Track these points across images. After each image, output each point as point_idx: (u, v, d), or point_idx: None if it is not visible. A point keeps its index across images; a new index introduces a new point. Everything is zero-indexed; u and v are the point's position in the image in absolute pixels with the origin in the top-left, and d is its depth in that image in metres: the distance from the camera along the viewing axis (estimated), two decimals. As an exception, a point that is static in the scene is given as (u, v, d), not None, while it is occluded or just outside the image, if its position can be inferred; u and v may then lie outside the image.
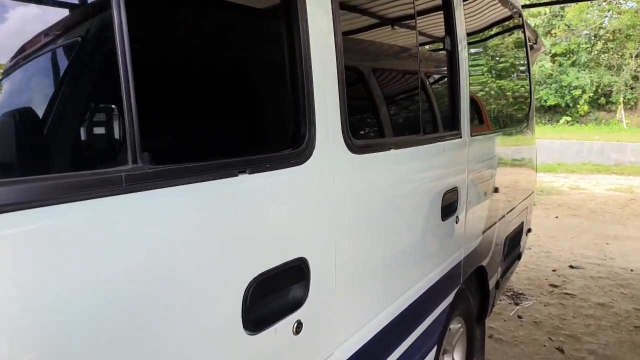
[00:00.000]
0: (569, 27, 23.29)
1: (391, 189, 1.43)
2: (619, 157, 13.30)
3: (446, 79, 2.00)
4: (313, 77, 1.05)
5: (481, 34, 2.52)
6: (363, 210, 1.28)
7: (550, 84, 22.83)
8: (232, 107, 0.96)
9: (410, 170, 1.54)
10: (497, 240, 2.61)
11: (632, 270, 5.06)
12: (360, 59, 1.50)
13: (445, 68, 1.98)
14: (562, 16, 23.60)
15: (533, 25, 23.89)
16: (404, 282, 1.54)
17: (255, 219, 0.92)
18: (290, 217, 1.01)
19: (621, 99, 21.86)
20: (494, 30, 2.70)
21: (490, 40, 2.69)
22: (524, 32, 3.33)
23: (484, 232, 2.36)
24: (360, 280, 1.30)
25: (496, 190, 2.46)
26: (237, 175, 0.85)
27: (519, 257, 3.35)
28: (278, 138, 1.06)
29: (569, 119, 22.40)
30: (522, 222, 3.30)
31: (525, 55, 3.38)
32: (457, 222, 1.93)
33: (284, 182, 0.99)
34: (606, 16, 22.95)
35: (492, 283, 2.61)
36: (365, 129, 1.53)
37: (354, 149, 1.19)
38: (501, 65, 2.96)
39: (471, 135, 2.05)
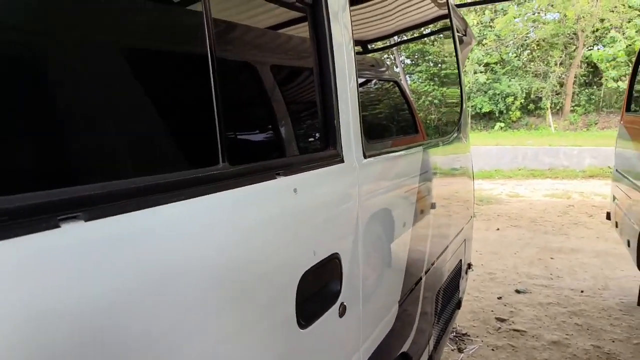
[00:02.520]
0: (498, 37, 24.09)
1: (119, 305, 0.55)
2: (552, 161, 13.40)
3: (301, 57, 1.15)
4: None
5: (386, 7, 1.73)
6: None
7: (485, 92, 23.43)
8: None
9: (185, 250, 0.66)
10: (423, 303, 1.81)
11: (582, 292, 4.54)
12: None
13: (296, 34, 1.13)
14: (491, 27, 24.41)
15: (465, 35, 24.52)
16: None
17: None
18: None
19: (549, 105, 22.76)
20: (406, 7, 1.93)
21: (400, 20, 1.92)
22: (450, 19, 2.61)
23: (401, 302, 1.54)
24: None
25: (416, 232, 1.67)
26: None
27: (458, 305, 2.60)
28: None
29: (502, 124, 23.06)
30: (460, 260, 2.55)
31: (453, 49, 2.67)
32: (342, 315, 1.08)
33: None
34: (532, 26, 23.97)
35: (421, 365, 1.80)
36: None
37: None
38: (418, 59, 2.21)
39: (365, 157, 1.23)
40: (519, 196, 9.89)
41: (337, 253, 1.06)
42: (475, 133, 22.56)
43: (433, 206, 1.91)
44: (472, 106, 23.45)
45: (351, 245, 1.13)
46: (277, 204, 0.87)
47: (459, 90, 2.61)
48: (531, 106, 23.57)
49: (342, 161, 1.11)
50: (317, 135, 1.10)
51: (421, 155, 1.73)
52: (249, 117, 0.94)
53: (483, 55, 23.88)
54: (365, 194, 1.21)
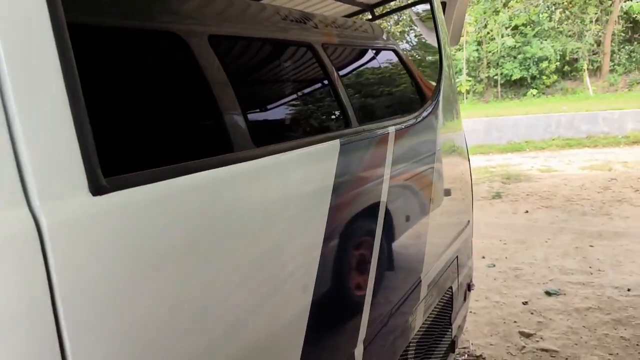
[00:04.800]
0: (525, -4, 22.33)
1: None
2: (590, 128, 12.15)
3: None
4: None
5: None
6: None
7: (515, 57, 21.85)
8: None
9: None
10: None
11: (629, 290, 3.73)
12: None
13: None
14: (516, -14, 22.63)
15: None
16: None
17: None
18: None
19: (585, 66, 21.02)
20: None
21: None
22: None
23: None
24: None
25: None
26: None
27: (451, 348, 1.91)
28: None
29: (535, 91, 21.49)
30: (451, 288, 1.86)
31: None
32: None
33: None
34: (562, -19, 22.10)
35: None
36: None
37: None
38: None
39: (98, 192, 0.57)
40: (552, 170, 8.89)
41: None
42: (505, 102, 21.12)
43: (376, 236, 1.24)
44: (500, 74, 21.93)
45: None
46: None
47: (435, 54, 1.87)
48: (566, 68, 21.84)
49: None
50: None
51: (337, 152, 1.05)
52: None
53: (511, 18, 22.21)
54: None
